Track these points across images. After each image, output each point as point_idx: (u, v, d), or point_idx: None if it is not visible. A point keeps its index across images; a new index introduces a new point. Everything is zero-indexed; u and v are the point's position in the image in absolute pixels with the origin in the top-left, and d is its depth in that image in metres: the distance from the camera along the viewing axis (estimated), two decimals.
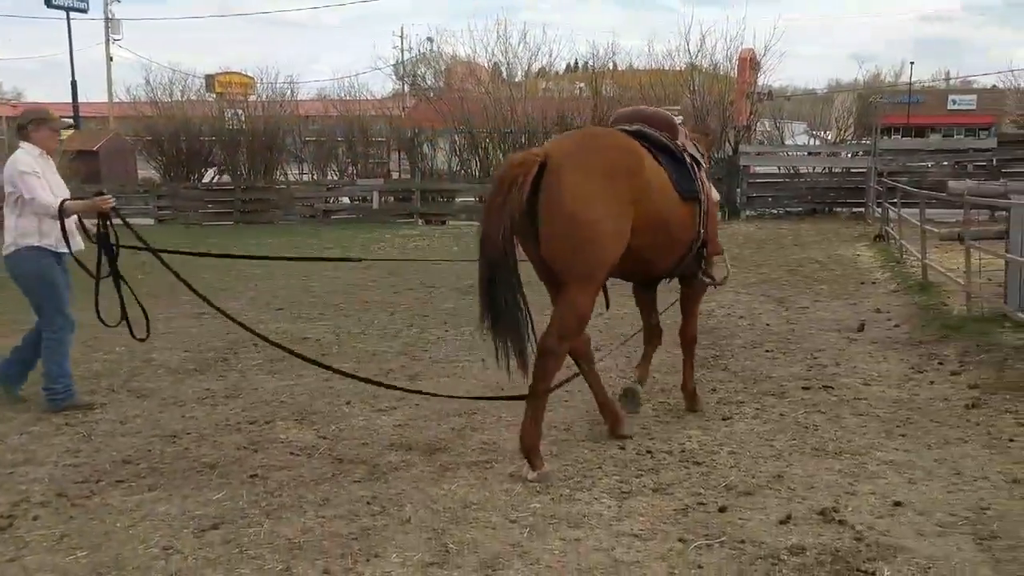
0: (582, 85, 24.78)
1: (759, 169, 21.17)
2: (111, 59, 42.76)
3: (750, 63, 21.72)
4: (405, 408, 5.74)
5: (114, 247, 5.51)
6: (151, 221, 22.61)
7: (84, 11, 43.45)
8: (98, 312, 5.52)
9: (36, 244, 5.59)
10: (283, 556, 3.63)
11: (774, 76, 26.13)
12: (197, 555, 3.64)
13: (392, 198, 21.97)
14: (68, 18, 42.21)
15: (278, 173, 23.47)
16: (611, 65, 24.63)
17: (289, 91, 26.23)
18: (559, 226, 4.36)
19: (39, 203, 5.51)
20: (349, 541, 3.76)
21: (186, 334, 8.29)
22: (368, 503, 4.16)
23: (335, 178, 23.02)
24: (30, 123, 5.71)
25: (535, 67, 24.79)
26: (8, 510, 4.10)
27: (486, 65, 25.61)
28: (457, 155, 22.70)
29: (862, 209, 18.70)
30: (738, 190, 19.81)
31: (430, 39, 31.40)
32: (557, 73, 27.45)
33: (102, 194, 5.64)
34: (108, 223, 5.52)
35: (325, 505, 4.15)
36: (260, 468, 4.64)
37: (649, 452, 4.80)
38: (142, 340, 5.67)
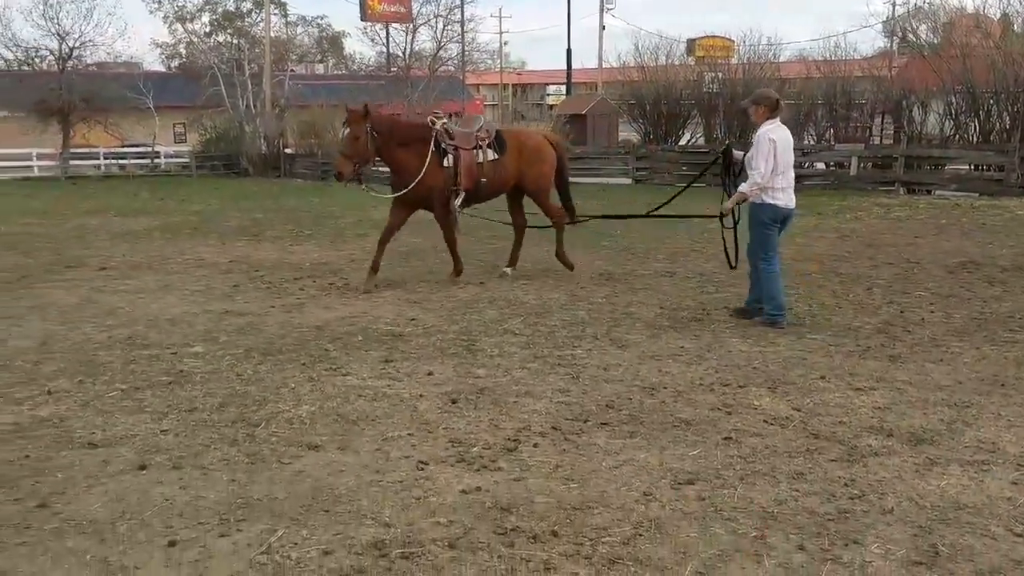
0: None
1: None
2: (603, 28, 45.76)
3: None
4: (885, 390, 5.40)
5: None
6: (629, 181, 23.93)
7: None
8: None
9: None
10: (756, 523, 3.63)
11: None
12: (674, 506, 3.80)
13: (871, 164, 20.64)
14: None
15: (753, 137, 23.32)
16: None
17: (771, 53, 25.80)
18: None
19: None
20: (825, 521, 3.64)
21: (660, 290, 8.65)
22: (846, 485, 3.99)
23: (811, 143, 22.23)
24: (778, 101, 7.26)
25: None
26: (514, 435, 4.66)
27: (996, 17, 22.67)
28: (952, 118, 20.53)
29: None
30: None
31: None
32: None
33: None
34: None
35: (799, 479, 4.06)
36: (733, 431, 4.69)
37: None
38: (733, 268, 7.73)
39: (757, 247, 7.18)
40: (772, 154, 6.91)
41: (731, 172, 7.69)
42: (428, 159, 8.78)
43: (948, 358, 6.14)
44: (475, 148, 9.18)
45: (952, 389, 5.41)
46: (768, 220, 7.06)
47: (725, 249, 7.71)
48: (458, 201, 9.08)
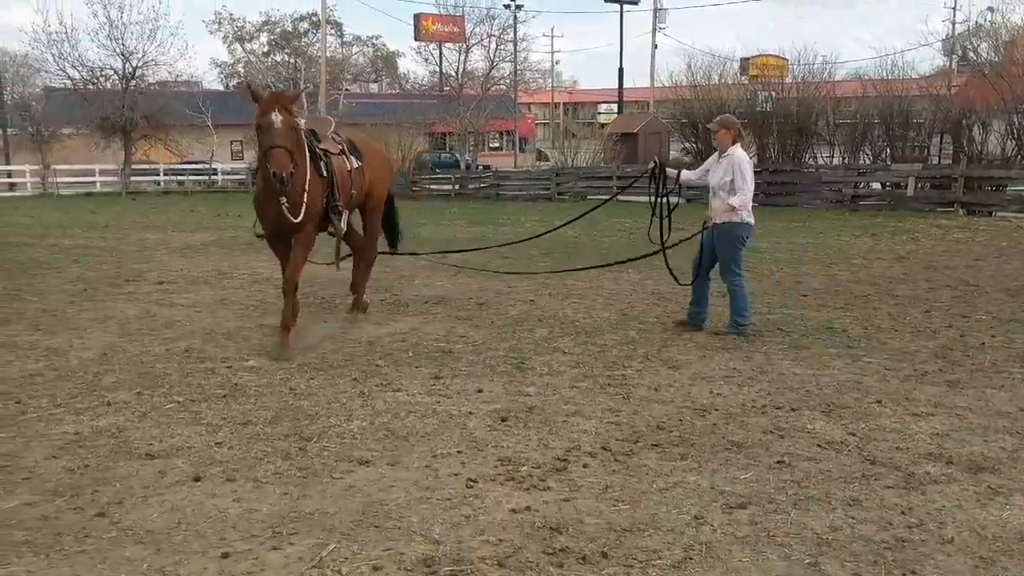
0: None
1: None
2: (655, 46, 45.72)
3: None
4: (943, 416, 5.27)
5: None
6: (680, 200, 23.77)
7: (635, 3, 46.96)
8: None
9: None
10: (810, 549, 3.57)
11: None
12: (725, 530, 3.75)
13: (929, 185, 20.25)
14: (621, 10, 45.96)
15: (807, 156, 23.05)
16: None
17: (826, 72, 25.54)
18: None
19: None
20: (881, 549, 3.56)
21: (712, 311, 8.55)
22: (903, 513, 3.90)
23: (867, 162, 21.91)
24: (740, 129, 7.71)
25: None
26: (563, 454, 4.65)
27: None
28: (1014, 138, 20.08)
29: None
30: None
31: (991, 8, 28.07)
32: None
33: None
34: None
35: (855, 506, 3.99)
36: (786, 455, 4.62)
37: None
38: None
39: (732, 264, 7.52)
40: (751, 174, 7.43)
41: (661, 190, 7.78)
42: (308, 168, 6.90)
43: (1010, 384, 5.99)
44: (340, 153, 7.64)
45: (1014, 416, 5.27)
46: (744, 236, 7.50)
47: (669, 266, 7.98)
48: (343, 222, 7.50)
